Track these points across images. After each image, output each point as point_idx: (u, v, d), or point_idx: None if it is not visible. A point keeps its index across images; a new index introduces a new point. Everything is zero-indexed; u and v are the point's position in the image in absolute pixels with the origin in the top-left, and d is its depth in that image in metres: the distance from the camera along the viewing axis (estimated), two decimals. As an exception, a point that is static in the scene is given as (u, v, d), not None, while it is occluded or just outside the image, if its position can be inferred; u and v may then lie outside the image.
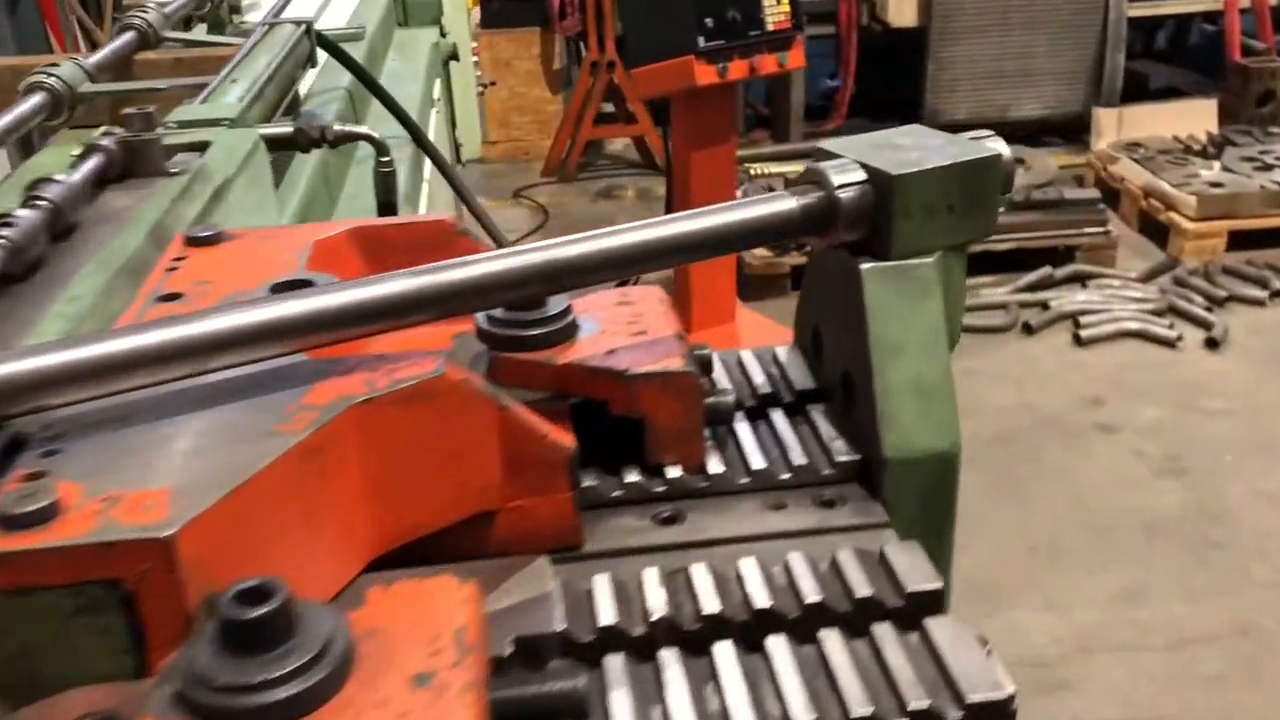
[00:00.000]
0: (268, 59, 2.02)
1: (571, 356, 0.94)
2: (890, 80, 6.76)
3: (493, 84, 4.61)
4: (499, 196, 6.49)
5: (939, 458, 0.92)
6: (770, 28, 3.87)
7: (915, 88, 6.68)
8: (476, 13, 6.64)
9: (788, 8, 3.90)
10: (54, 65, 2.03)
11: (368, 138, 1.71)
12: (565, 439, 0.86)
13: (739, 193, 5.44)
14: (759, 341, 4.31)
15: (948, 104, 6.67)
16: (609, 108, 6.56)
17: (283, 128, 1.66)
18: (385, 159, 1.73)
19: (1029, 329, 4.70)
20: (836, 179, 0.93)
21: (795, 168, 5.94)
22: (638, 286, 1.09)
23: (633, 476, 0.94)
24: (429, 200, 2.92)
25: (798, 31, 3.95)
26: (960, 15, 6.49)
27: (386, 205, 1.76)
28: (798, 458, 0.96)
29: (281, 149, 1.69)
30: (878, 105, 6.78)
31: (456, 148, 4.34)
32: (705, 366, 1.07)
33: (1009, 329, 4.72)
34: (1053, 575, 3.35)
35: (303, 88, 2.68)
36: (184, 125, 1.57)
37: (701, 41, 3.75)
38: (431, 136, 3.24)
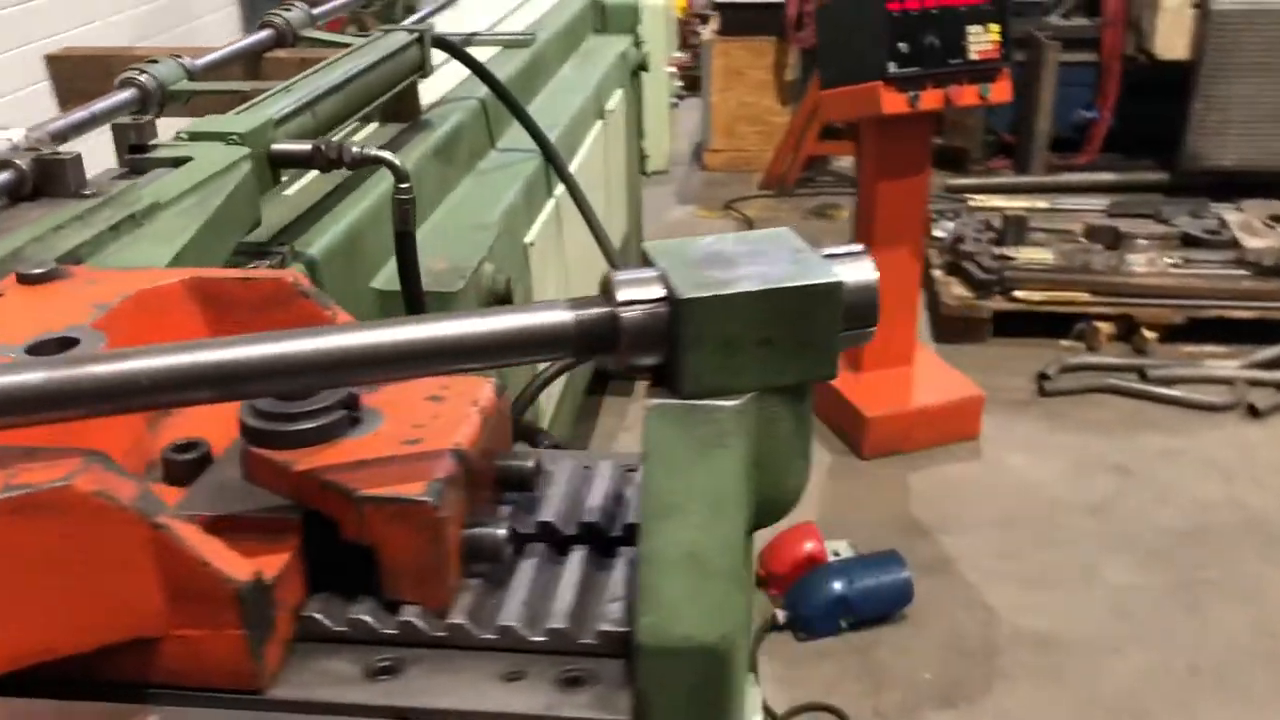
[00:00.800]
0: (348, 68, 1.99)
1: (315, 463, 0.82)
2: (1151, 116, 6.16)
3: (682, 97, 4.48)
4: (711, 206, 6.38)
5: (704, 652, 0.74)
6: (973, 56, 3.57)
7: (1177, 127, 6.05)
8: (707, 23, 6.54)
9: (997, 36, 3.58)
10: (153, 61, 2.08)
11: (385, 162, 1.64)
12: (237, 569, 0.74)
13: (950, 225, 5.10)
14: (932, 390, 3.99)
15: (1214, 148, 6.00)
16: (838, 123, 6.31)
17: (301, 145, 1.61)
18: (403, 185, 1.65)
19: (1255, 412, 4.16)
20: (624, 293, 0.76)
21: (1020, 204, 5.52)
22: (485, 378, 0.94)
23: (363, 611, 0.81)
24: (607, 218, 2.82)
25: (1005, 63, 3.62)
26: (1239, 50, 5.82)
27: (402, 235, 1.68)
28: (558, 618, 0.81)
29: (298, 167, 1.65)
30: (1134, 142, 6.21)
31: (642, 158, 4.25)
32: (522, 482, 0.93)
33: (1231, 409, 4.19)
34: (1213, 705, 2.93)
35: (432, 93, 2.67)
36: (195, 137, 1.55)
37: (892, 67, 3.50)
38: (586, 149, 3.18)
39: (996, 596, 3.29)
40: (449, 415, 0.88)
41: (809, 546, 3.31)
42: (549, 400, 2.76)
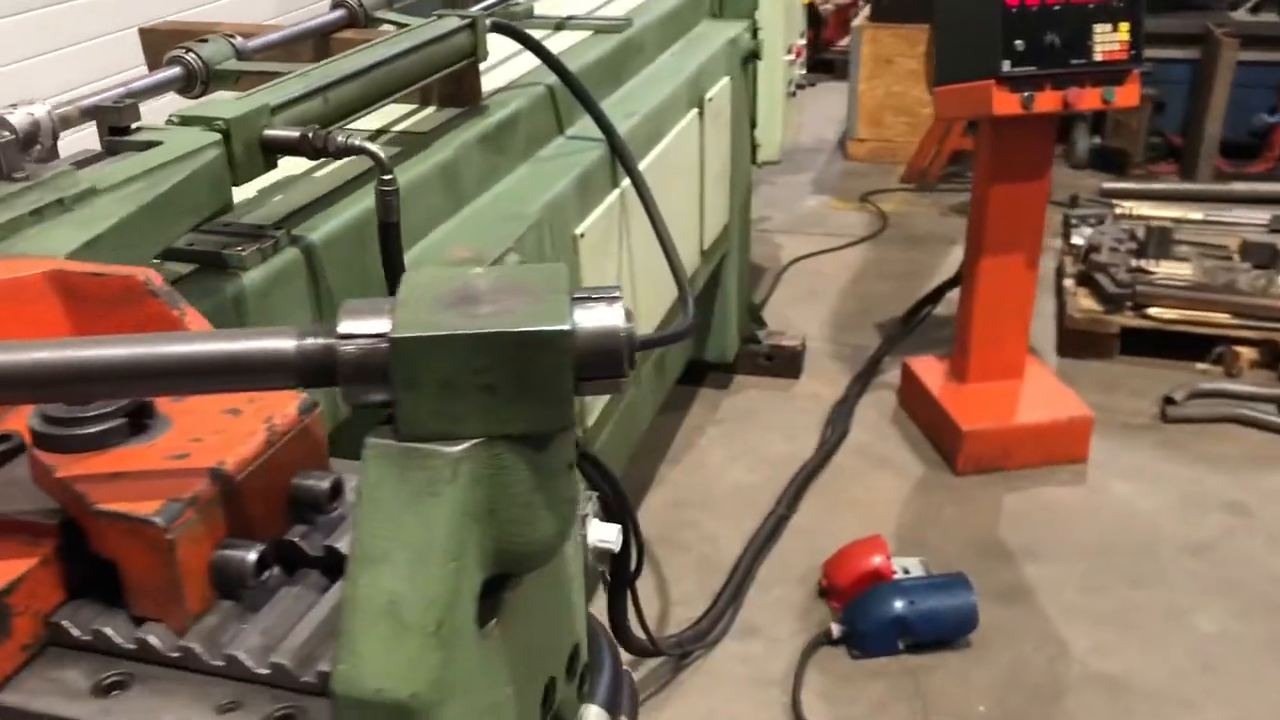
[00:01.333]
0: (380, 54, 2.00)
1: (77, 470, 0.82)
2: (1338, 125, 5.68)
3: (801, 86, 4.35)
4: (847, 198, 6.21)
5: (396, 708, 0.71)
6: (1098, 57, 3.34)
7: (1366, 138, 5.56)
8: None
9: (1126, 36, 3.34)
10: (203, 40, 2.14)
11: (369, 153, 1.63)
12: (-50, 575, 0.75)
13: (1091, 232, 4.82)
14: (1038, 407, 3.81)
15: (1406, 162, 5.49)
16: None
17: (290, 132, 1.63)
18: (386, 177, 1.64)
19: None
20: (346, 325, 0.73)
21: (1170, 213, 5.17)
22: (294, 393, 0.92)
23: (109, 623, 0.81)
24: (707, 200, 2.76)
25: (1135, 64, 3.38)
26: None
27: (386, 227, 1.68)
28: (287, 653, 0.78)
29: (290, 154, 1.66)
30: (1317, 152, 5.74)
31: (753, 148, 4.16)
32: (315, 503, 0.91)
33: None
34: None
35: (504, 78, 2.67)
36: (184, 121, 1.58)
37: (1006, 66, 3.31)
38: (672, 138, 3.13)
39: (1071, 632, 3.11)
40: (235, 431, 0.87)
41: (875, 561, 3.20)
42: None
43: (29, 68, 4.37)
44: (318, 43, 2.50)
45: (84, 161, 1.43)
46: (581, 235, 2.51)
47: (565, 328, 0.71)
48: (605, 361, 0.73)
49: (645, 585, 3.32)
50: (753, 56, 3.93)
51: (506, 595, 0.81)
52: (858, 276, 5.30)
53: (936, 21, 3.69)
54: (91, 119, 1.65)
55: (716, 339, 4.23)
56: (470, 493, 0.73)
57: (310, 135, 1.62)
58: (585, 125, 2.73)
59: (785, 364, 4.43)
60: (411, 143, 2.24)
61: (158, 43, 2.61)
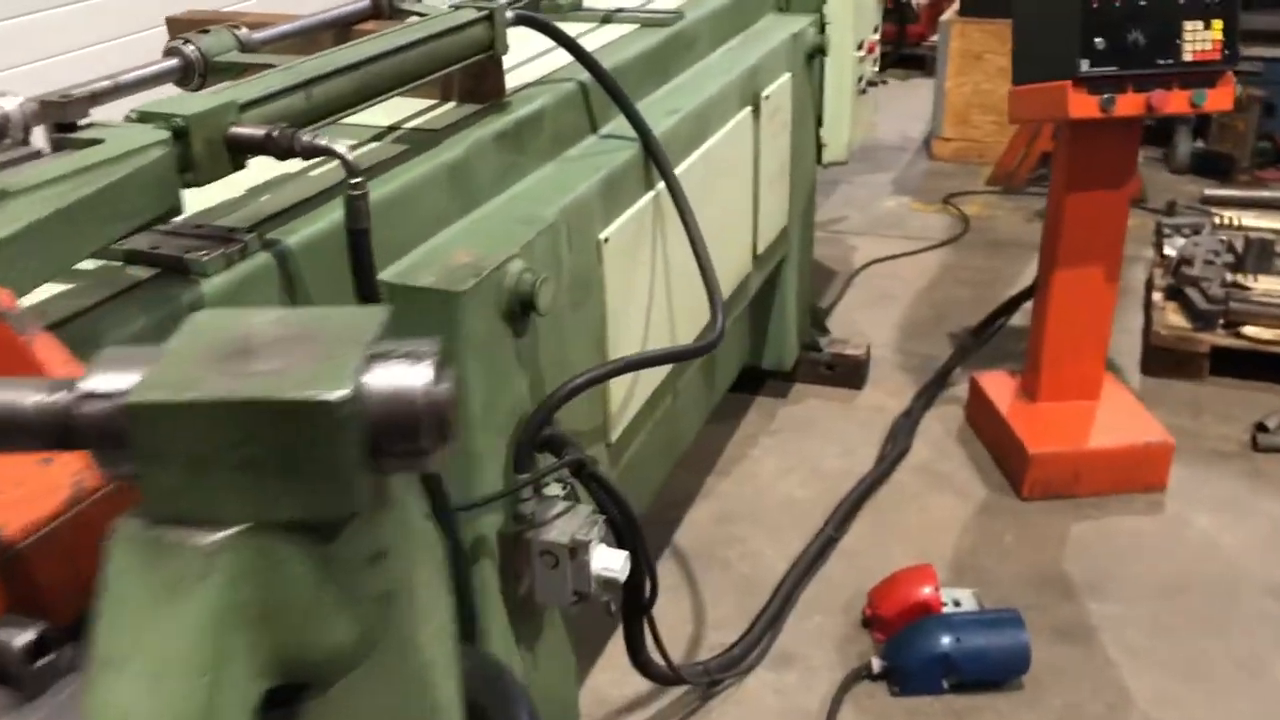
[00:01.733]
0: (373, 48, 1.89)
1: None
2: None
3: (874, 84, 4.13)
4: (928, 199, 5.96)
5: None
6: (1188, 57, 3.08)
7: None
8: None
9: (1219, 35, 3.08)
10: (205, 31, 2.05)
11: (335, 154, 1.52)
12: None
13: (1184, 243, 4.52)
14: (1114, 431, 3.60)
15: None
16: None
17: (255, 130, 1.52)
18: (354, 180, 1.53)
19: None
20: (91, 380, 0.60)
21: (1273, 224, 4.83)
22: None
23: None
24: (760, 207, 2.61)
25: (1229, 65, 3.11)
26: None
27: (355, 234, 1.56)
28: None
29: (255, 153, 1.56)
30: None
31: (819, 147, 3.98)
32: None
33: None
34: None
35: (522, 75, 2.55)
36: (143, 117, 1.49)
37: (1084, 66, 3.08)
38: (719, 138, 2.98)
39: (1135, 679, 2.88)
40: (37, 485, 0.75)
41: (923, 592, 3.01)
42: (629, 397, 2.59)
43: (67, 61, 4.37)
44: (339, 34, 2.41)
45: (17, 160, 1.34)
46: (606, 240, 2.38)
47: (340, 394, 0.57)
48: (400, 434, 0.59)
49: (680, 605, 3.18)
50: (818, 52, 3.75)
51: (313, 705, 0.67)
52: (934, 282, 5.07)
53: (1015, 16, 3.46)
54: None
55: (774, 345, 4.06)
56: (231, 591, 0.60)
57: (275, 134, 1.51)
58: (620, 124, 2.59)
59: (848, 373, 4.23)
60: (420, 140, 2.13)
61: (184, 31, 2.55)
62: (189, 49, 1.98)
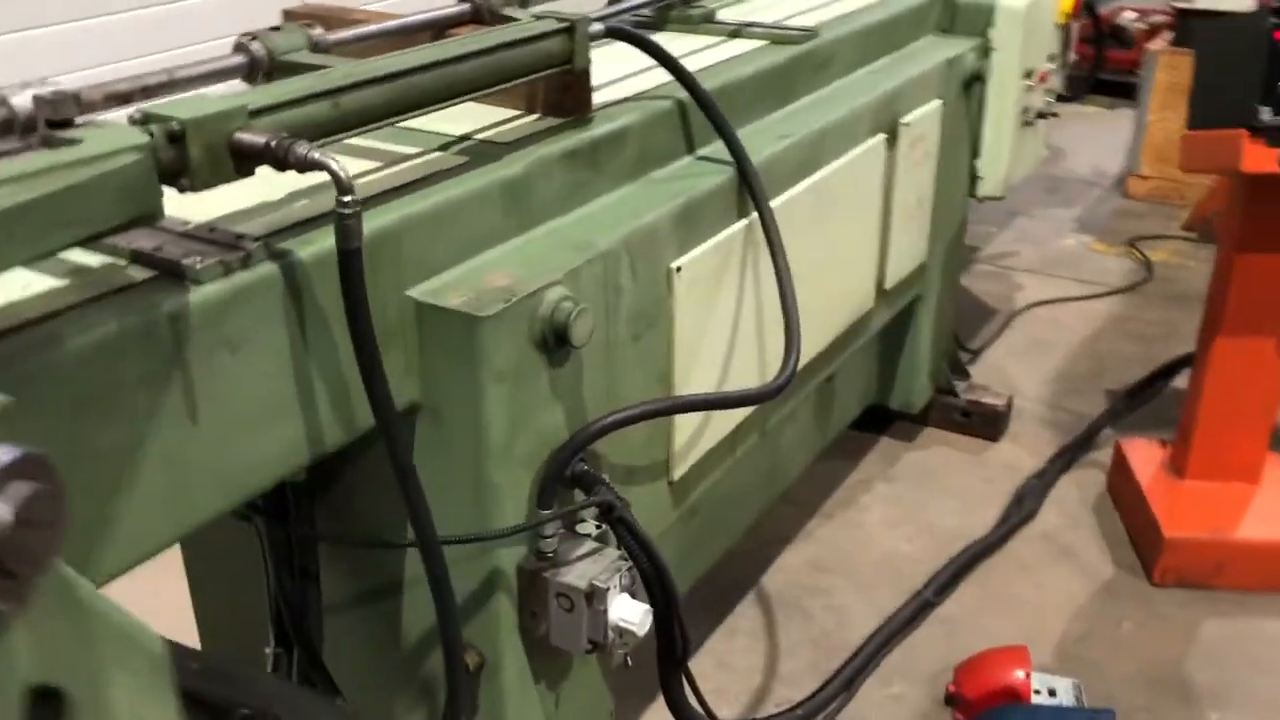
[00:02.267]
0: (420, 59, 1.82)
1: None
2: None
3: (1044, 115, 3.81)
4: (1112, 240, 5.54)
5: None
6: (1392, 112, 2.71)
7: None
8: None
9: None
10: (276, 28, 2.04)
11: (327, 168, 1.45)
12: None
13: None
14: (1270, 521, 3.27)
15: None
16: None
17: (256, 138, 1.47)
18: (345, 199, 1.45)
19: None
20: None
21: None
22: None
23: None
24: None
25: None
26: None
27: (346, 254, 1.49)
28: None
29: (257, 162, 1.51)
30: None
31: (973, 179, 3.72)
32: None
33: None
34: None
35: (624, 89, 2.45)
36: (146, 118, 1.46)
37: (1265, 115, 2.75)
38: (839, 165, 2.81)
39: (1245, 811, 2.56)
40: None
41: (1013, 676, 2.76)
42: (697, 435, 2.46)
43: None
44: (435, 36, 2.36)
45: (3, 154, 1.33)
46: (679, 270, 2.25)
47: None
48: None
49: (752, 652, 3.03)
50: (976, 79, 3.50)
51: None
52: (1099, 332, 4.70)
53: (1195, 57, 3.13)
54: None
55: (903, 386, 3.83)
56: None
57: (274, 144, 1.46)
58: (720, 147, 2.45)
59: (983, 423, 3.96)
60: (483, 153, 2.05)
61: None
62: (255, 46, 1.97)
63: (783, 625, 3.12)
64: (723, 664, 2.96)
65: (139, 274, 1.53)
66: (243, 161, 1.51)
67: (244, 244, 1.58)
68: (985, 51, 3.55)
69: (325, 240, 1.67)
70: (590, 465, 2.02)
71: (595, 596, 1.95)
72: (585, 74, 2.21)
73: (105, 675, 0.63)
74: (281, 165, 1.48)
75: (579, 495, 2.02)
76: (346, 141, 1.77)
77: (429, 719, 2.15)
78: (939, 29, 3.63)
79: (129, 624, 0.71)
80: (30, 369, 1.32)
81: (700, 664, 2.91)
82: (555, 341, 1.88)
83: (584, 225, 2.11)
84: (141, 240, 1.57)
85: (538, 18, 2.12)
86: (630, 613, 1.99)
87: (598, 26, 2.21)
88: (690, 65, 2.41)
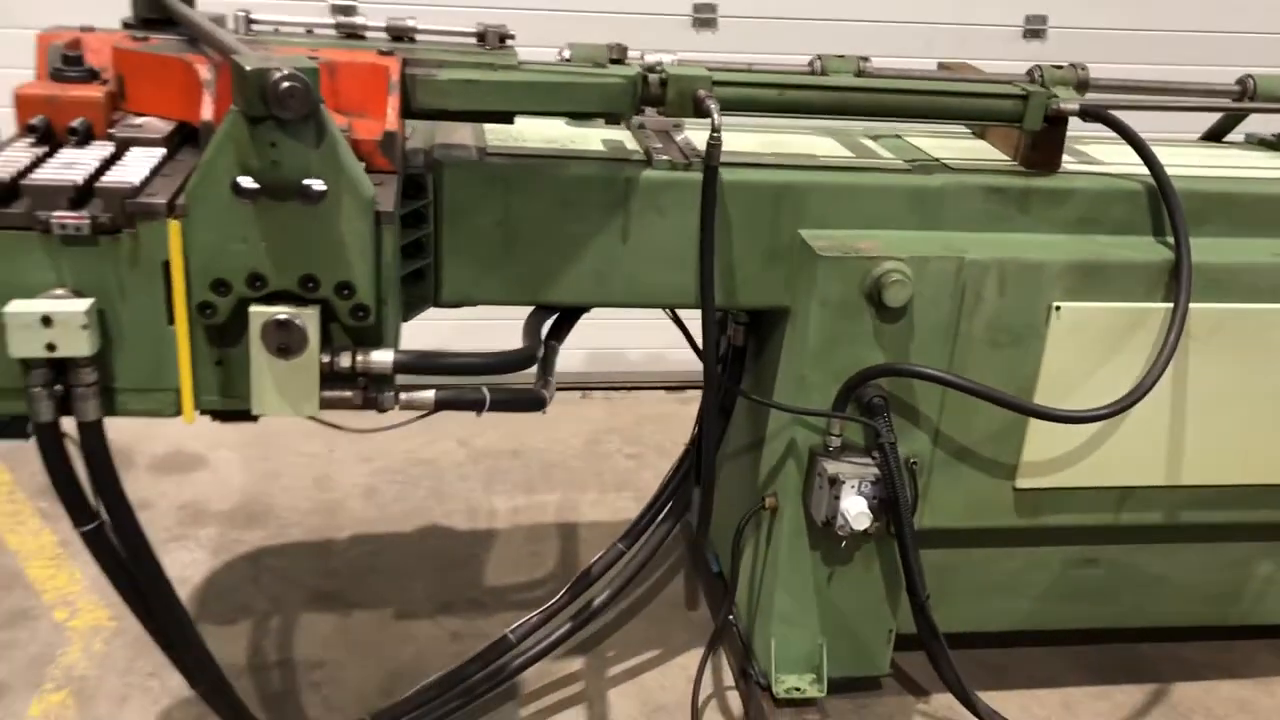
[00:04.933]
0: (867, 84, 2.64)
1: None
2: None
3: None
4: None
5: None
6: None
7: None
8: None
9: None
10: (840, 56, 2.97)
11: (710, 113, 2.37)
12: None
13: None
14: None
15: None
16: None
17: (705, 96, 2.48)
18: (714, 134, 2.34)
19: None
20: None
21: None
22: None
23: None
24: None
25: None
26: None
27: (708, 169, 2.39)
28: None
29: (701, 109, 2.50)
30: None
31: None
32: None
33: None
34: None
35: (1117, 167, 2.85)
36: (650, 69, 2.59)
37: None
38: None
39: None
40: None
41: None
42: (1054, 458, 2.82)
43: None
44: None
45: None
46: (1057, 309, 2.66)
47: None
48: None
49: None
50: None
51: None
52: None
53: None
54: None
55: None
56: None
57: (704, 97, 2.45)
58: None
59: None
60: (926, 167, 2.76)
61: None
62: (817, 62, 2.90)
63: None
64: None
65: (635, 154, 2.67)
66: (699, 106, 2.52)
67: (690, 157, 2.62)
68: None
69: (745, 171, 2.63)
70: (891, 408, 2.63)
71: (835, 484, 2.63)
72: (1054, 135, 2.74)
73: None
74: (701, 112, 2.48)
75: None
76: (839, 132, 2.80)
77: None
78: None
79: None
80: (545, 172, 2.53)
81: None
82: (878, 296, 2.56)
83: (976, 242, 2.66)
84: (651, 141, 2.71)
85: (1014, 83, 2.72)
86: (853, 507, 2.61)
87: (1074, 106, 2.70)
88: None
